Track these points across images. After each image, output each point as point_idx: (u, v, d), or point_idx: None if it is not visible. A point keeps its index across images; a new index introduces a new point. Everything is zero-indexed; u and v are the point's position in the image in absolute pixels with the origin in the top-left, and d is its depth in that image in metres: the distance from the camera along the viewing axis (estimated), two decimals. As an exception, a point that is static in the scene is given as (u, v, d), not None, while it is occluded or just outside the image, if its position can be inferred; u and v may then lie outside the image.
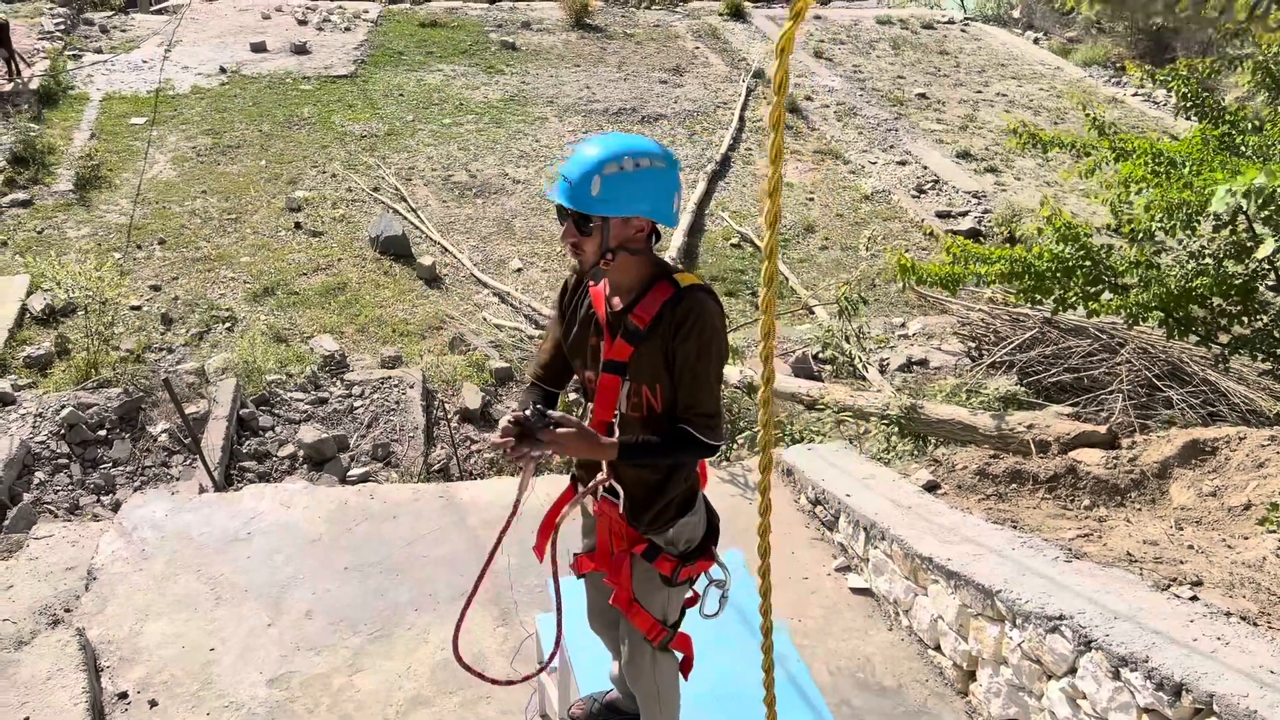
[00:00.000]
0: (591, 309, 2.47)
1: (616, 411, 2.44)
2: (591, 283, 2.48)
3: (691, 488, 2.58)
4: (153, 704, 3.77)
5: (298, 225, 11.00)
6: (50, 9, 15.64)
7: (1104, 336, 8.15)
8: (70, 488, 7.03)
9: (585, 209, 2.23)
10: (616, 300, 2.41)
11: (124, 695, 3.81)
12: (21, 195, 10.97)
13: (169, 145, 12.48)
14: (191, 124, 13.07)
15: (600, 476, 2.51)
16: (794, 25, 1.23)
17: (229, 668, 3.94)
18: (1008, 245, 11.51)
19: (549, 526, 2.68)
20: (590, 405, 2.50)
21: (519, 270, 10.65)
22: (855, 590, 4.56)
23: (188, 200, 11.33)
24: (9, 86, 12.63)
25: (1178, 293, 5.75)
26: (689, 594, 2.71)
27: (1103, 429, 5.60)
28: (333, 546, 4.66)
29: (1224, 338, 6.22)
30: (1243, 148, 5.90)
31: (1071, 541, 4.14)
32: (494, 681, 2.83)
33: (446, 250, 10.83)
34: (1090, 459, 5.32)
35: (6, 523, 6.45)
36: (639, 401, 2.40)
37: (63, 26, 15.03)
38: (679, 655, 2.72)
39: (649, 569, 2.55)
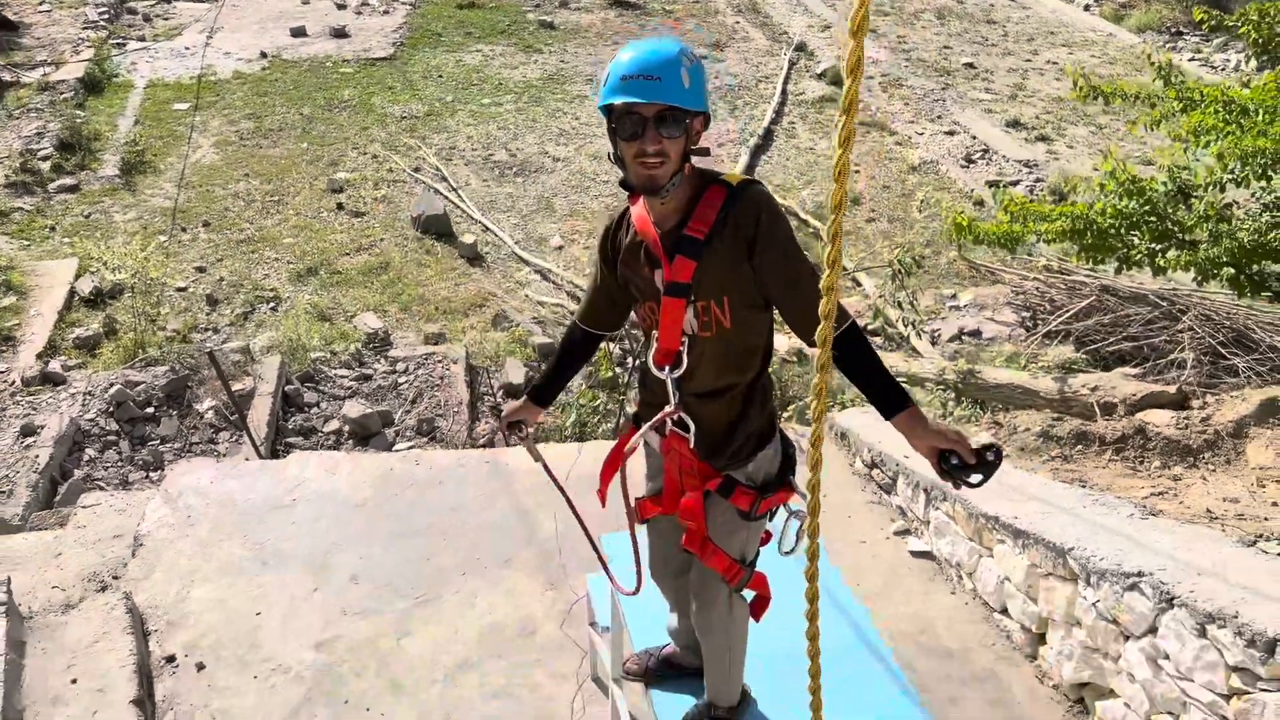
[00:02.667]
0: (639, 238, 2.33)
1: (684, 335, 2.30)
2: (635, 210, 2.33)
3: (770, 416, 2.43)
4: (200, 667, 3.72)
5: (339, 206, 10.98)
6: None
7: (1164, 303, 7.85)
8: (119, 464, 7.06)
9: (683, 103, 2.10)
10: (668, 220, 2.27)
11: (171, 659, 3.77)
12: (69, 181, 11.07)
13: (212, 130, 12.53)
14: (234, 109, 13.11)
15: (668, 409, 2.36)
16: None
17: (275, 632, 3.89)
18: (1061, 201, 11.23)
19: (612, 466, 2.52)
20: (655, 335, 2.36)
21: (560, 248, 10.55)
22: (915, 554, 4.39)
23: (231, 183, 11.36)
24: None
25: (1251, 247, 5.48)
26: (765, 529, 2.56)
27: (1172, 389, 5.36)
28: (377, 513, 4.59)
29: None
30: (1319, 93, 5.60)
31: (1146, 499, 3.94)
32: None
33: (488, 229, 10.75)
34: (1160, 420, 5.10)
35: (58, 498, 6.50)
36: (708, 320, 2.27)
37: (106, 16, 15.15)
38: (750, 596, 2.57)
39: (725, 505, 2.40)
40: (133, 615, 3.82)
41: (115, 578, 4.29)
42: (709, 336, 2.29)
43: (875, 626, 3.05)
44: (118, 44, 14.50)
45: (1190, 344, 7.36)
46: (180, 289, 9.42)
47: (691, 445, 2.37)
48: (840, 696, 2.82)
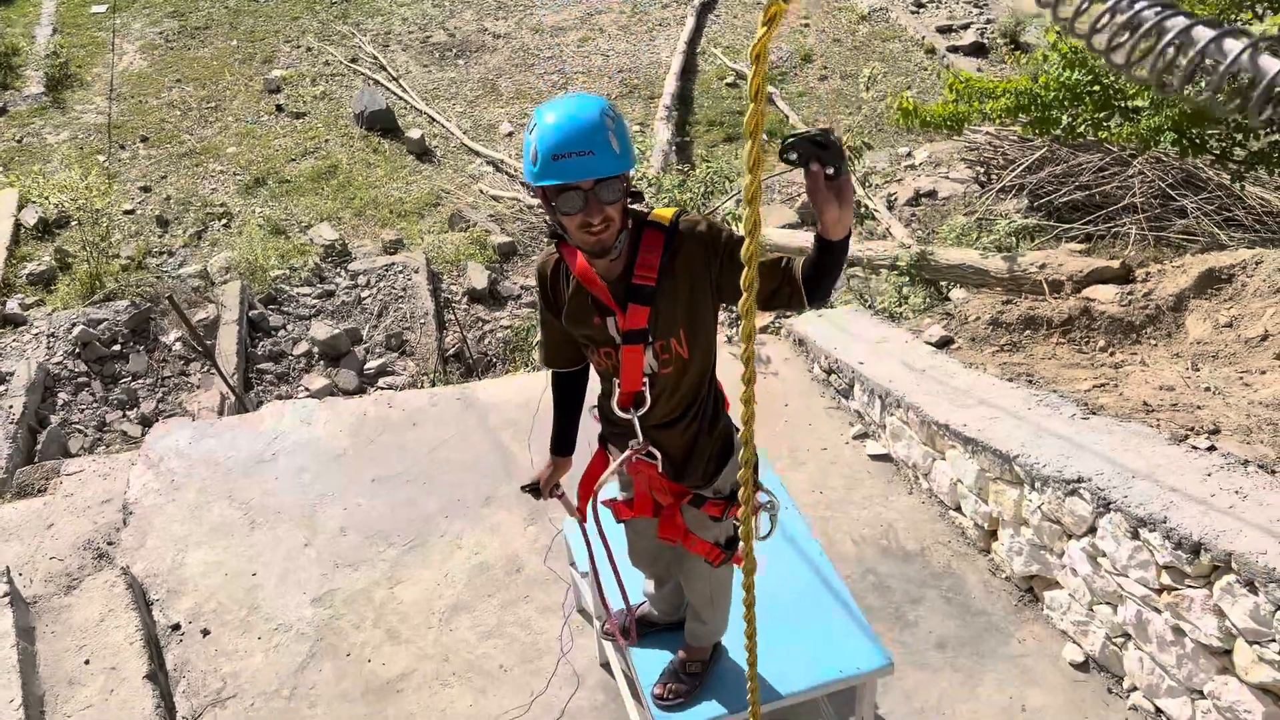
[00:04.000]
0: (585, 290, 2.35)
1: (645, 375, 2.38)
2: (574, 261, 2.33)
3: (725, 433, 2.54)
4: (205, 633, 3.92)
5: (279, 108, 10.68)
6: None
7: (1115, 149, 7.92)
8: (94, 405, 7.12)
9: (619, 168, 2.10)
10: (612, 270, 2.30)
11: (176, 627, 3.97)
12: (-7, 104, 10.67)
13: (135, 33, 12.00)
14: (154, 6, 12.53)
15: (635, 445, 2.47)
16: (768, 32, 1.12)
17: (273, 591, 4.08)
18: (1014, 51, 11.07)
19: (586, 493, 2.67)
20: (617, 380, 2.43)
21: (510, 134, 10.37)
22: (874, 457, 4.61)
23: (163, 91, 10.99)
24: None
25: (1192, 112, 5.53)
26: None
27: (1116, 263, 5.50)
28: (358, 460, 4.73)
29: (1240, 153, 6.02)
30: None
31: (1088, 394, 4.14)
32: None
33: (434, 120, 10.52)
34: (1104, 296, 5.26)
35: (39, 447, 6.56)
36: (668, 358, 2.34)
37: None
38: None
39: (698, 513, 2.56)
40: (133, 589, 4.00)
41: (110, 544, 4.45)
42: (668, 372, 2.36)
43: (831, 562, 3.26)
44: (19, -58, 13.64)
45: (1140, 189, 7.48)
46: (128, 211, 9.27)
47: (659, 470, 2.50)
48: (797, 634, 3.06)
